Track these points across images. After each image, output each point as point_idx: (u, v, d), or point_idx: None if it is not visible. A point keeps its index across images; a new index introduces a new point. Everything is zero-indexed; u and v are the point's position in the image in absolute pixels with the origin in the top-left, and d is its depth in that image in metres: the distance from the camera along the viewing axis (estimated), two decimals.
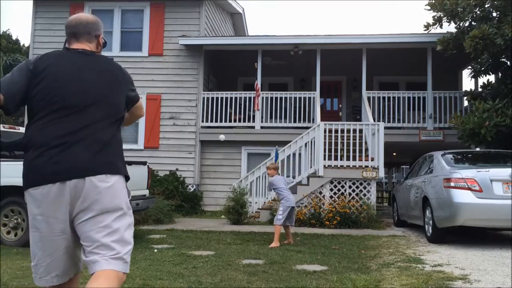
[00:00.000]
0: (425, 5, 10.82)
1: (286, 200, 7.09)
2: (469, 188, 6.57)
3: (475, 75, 11.00)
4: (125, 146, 10.81)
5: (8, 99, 2.12)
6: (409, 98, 12.47)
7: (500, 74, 10.68)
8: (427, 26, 10.97)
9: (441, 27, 10.87)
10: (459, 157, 7.91)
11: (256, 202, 10.67)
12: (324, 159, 10.00)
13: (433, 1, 10.68)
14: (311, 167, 10.36)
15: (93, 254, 2.07)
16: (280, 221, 6.97)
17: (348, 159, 10.01)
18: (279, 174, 7.99)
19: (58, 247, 2.14)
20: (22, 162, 2.18)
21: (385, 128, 10.46)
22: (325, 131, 10.20)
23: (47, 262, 2.16)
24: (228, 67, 15.26)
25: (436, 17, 10.76)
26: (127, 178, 2.30)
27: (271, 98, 12.89)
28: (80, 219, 2.08)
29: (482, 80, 11.33)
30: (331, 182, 9.90)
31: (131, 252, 2.18)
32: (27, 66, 2.20)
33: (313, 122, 12.28)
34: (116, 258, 2.07)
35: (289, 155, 10.56)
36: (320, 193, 9.87)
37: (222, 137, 9.42)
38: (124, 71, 2.44)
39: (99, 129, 2.17)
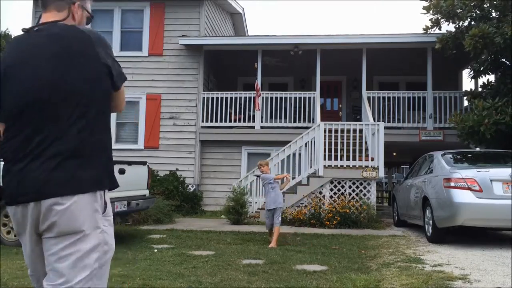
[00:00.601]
0: (422, 8, 10.81)
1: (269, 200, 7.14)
2: (469, 188, 6.57)
3: (475, 75, 11.00)
4: (125, 146, 10.82)
5: None
6: (409, 98, 12.47)
7: (499, 74, 10.68)
8: (426, 29, 10.98)
9: (439, 29, 10.88)
10: (459, 157, 7.91)
11: (256, 202, 10.67)
12: (324, 159, 10.00)
13: (429, 4, 10.67)
14: (311, 167, 10.36)
15: (46, 280, 1.90)
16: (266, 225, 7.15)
17: (348, 159, 10.01)
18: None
19: (37, 264, 2.01)
20: None
21: (385, 128, 10.46)
22: (325, 131, 10.19)
23: (33, 275, 2.08)
24: (228, 67, 15.26)
25: (434, 20, 10.77)
26: (110, 186, 2.01)
27: (271, 98, 12.89)
28: (44, 236, 1.91)
29: (482, 80, 11.33)
30: (331, 182, 9.90)
31: (94, 278, 1.91)
32: None
33: (313, 122, 12.28)
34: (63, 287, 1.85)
35: (289, 155, 10.56)
36: (320, 193, 9.87)
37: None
38: (96, 40, 1.91)
39: (60, 135, 1.82)
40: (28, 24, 14.61)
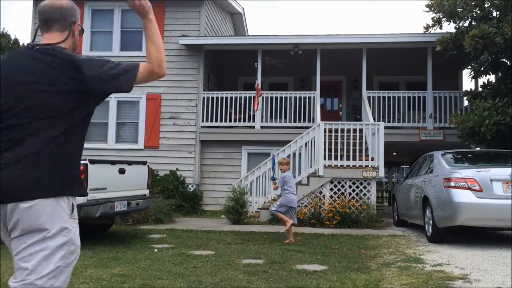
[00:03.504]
0: (425, 6, 10.83)
1: (286, 199, 7.16)
2: (469, 188, 6.57)
3: (475, 75, 11.00)
4: (125, 146, 10.82)
5: None
6: (409, 98, 12.47)
7: (500, 74, 10.68)
8: (427, 28, 10.97)
9: (440, 28, 10.88)
10: (459, 156, 7.91)
11: (256, 202, 10.66)
12: (324, 158, 10.00)
13: (432, 2, 10.68)
14: (311, 166, 10.36)
15: (12, 279, 1.97)
16: (273, 211, 7.29)
17: (348, 158, 10.01)
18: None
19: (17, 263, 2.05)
20: None
21: (385, 128, 10.46)
22: (325, 131, 10.19)
23: None
24: (228, 67, 15.26)
25: (435, 18, 10.77)
26: (79, 194, 2.06)
27: (271, 98, 12.89)
28: (11, 238, 1.99)
29: (482, 80, 11.33)
30: (331, 182, 9.90)
31: (60, 275, 1.94)
32: None
33: (313, 122, 12.28)
34: (24, 284, 1.91)
35: (289, 155, 10.55)
36: (320, 192, 9.87)
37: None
38: (82, 59, 2.05)
39: (33, 144, 1.91)
40: (28, 24, 14.60)
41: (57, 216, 1.94)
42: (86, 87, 2.02)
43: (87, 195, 2.16)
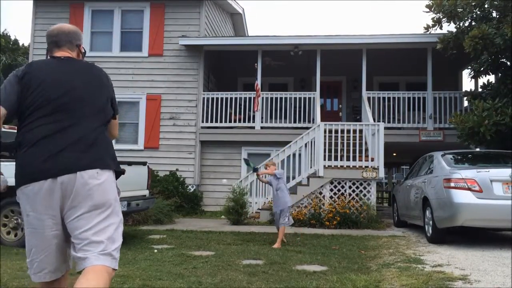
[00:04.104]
0: (425, 6, 10.83)
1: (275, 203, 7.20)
2: (469, 189, 6.57)
3: (475, 75, 11.00)
4: (125, 147, 10.82)
5: (9, 110, 2.23)
6: (409, 98, 12.47)
7: (500, 74, 10.68)
8: (427, 28, 10.96)
9: (440, 28, 10.88)
10: (459, 157, 7.91)
11: (256, 202, 10.66)
12: (324, 159, 10.00)
13: (432, 3, 10.68)
14: (311, 167, 10.36)
15: (83, 251, 2.13)
16: (287, 223, 7.10)
17: (348, 159, 10.00)
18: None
19: (50, 243, 2.21)
20: None
21: (385, 128, 10.46)
22: (325, 131, 10.19)
23: (40, 258, 2.24)
24: (228, 67, 15.27)
25: (435, 19, 10.76)
26: (119, 174, 2.39)
27: (271, 98, 12.89)
28: (70, 217, 2.15)
29: (482, 80, 11.33)
30: (331, 183, 9.90)
31: (119, 249, 2.24)
32: (17, 74, 2.31)
33: (313, 122, 12.29)
34: (104, 254, 2.13)
35: (289, 155, 10.56)
36: (320, 193, 9.87)
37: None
38: (108, 77, 2.54)
39: (87, 128, 2.27)
40: (28, 24, 14.64)
41: (116, 194, 2.30)
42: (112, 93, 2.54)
43: (123, 172, 2.44)
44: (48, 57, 2.47)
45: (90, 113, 2.32)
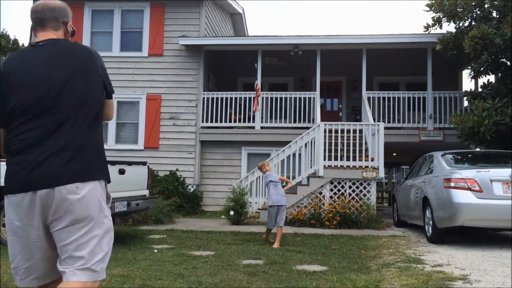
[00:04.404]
0: (425, 5, 10.83)
1: (270, 199, 7.13)
2: (469, 188, 6.57)
3: (475, 75, 11.00)
4: (125, 147, 10.77)
5: (1, 124, 2.13)
6: (409, 98, 12.47)
7: (500, 74, 10.68)
8: (427, 27, 10.96)
9: (440, 27, 10.87)
10: (459, 157, 7.91)
11: (256, 202, 10.66)
12: (324, 159, 10.00)
13: (432, 2, 10.68)
14: (311, 167, 10.36)
15: (63, 264, 2.08)
16: (268, 224, 7.07)
17: (348, 159, 10.00)
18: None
19: (35, 252, 2.14)
20: None
21: (385, 128, 10.46)
22: (325, 131, 10.19)
23: (25, 265, 2.17)
24: (228, 67, 15.26)
25: (435, 18, 10.76)
26: (108, 180, 2.24)
27: (271, 98, 12.89)
28: (54, 228, 2.07)
29: (482, 80, 11.33)
30: (331, 182, 9.90)
31: (105, 259, 2.15)
32: None
33: (313, 122, 12.28)
34: (82, 269, 2.06)
35: (289, 155, 10.56)
36: (320, 193, 9.87)
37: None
38: (94, 55, 2.23)
39: (73, 132, 2.08)
40: (28, 24, 14.58)
41: (101, 205, 2.14)
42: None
43: (110, 182, 2.27)
44: (29, 43, 2.25)
45: (76, 110, 2.10)
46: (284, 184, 7.84)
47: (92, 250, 2.08)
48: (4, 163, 2.17)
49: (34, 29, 2.28)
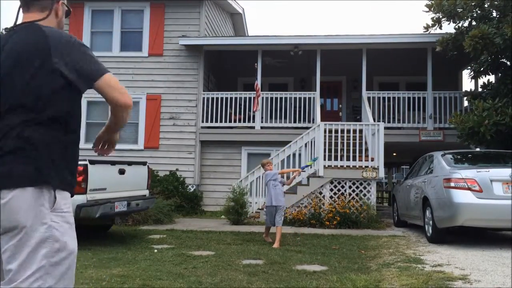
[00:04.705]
0: (424, 6, 10.83)
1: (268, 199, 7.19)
2: (469, 188, 6.57)
3: (475, 75, 11.00)
4: (125, 147, 10.77)
5: None
6: (409, 98, 12.47)
7: (500, 74, 10.68)
8: (427, 28, 10.97)
9: (440, 28, 10.88)
10: (459, 157, 7.91)
11: (256, 202, 10.66)
12: (324, 159, 10.00)
13: (431, 2, 10.68)
14: (311, 167, 10.36)
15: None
16: (266, 222, 7.15)
17: (348, 159, 10.00)
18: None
19: None
20: None
21: (385, 128, 10.46)
22: (325, 131, 10.19)
23: None
24: (228, 67, 15.26)
25: (435, 18, 10.77)
26: (63, 187, 1.91)
27: (271, 98, 12.89)
28: None
29: (482, 80, 11.32)
30: (331, 182, 9.90)
31: (43, 275, 1.81)
32: None
33: (313, 122, 12.28)
34: (7, 286, 1.82)
35: (289, 155, 10.56)
36: (320, 193, 9.87)
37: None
38: (54, 44, 1.88)
39: (6, 130, 1.83)
40: None
41: (35, 212, 1.82)
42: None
43: (72, 191, 1.97)
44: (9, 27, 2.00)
45: (15, 104, 1.84)
46: (289, 176, 7.87)
47: (22, 263, 1.78)
48: None
49: (22, 10, 2.03)
